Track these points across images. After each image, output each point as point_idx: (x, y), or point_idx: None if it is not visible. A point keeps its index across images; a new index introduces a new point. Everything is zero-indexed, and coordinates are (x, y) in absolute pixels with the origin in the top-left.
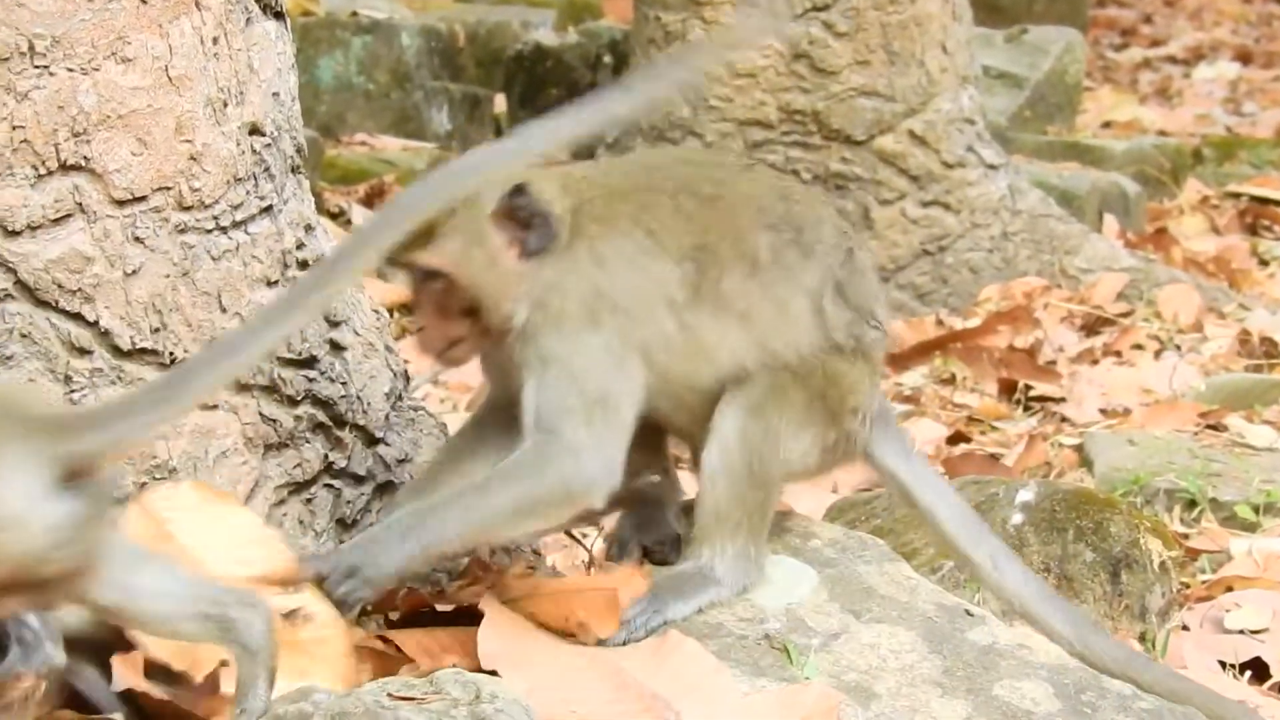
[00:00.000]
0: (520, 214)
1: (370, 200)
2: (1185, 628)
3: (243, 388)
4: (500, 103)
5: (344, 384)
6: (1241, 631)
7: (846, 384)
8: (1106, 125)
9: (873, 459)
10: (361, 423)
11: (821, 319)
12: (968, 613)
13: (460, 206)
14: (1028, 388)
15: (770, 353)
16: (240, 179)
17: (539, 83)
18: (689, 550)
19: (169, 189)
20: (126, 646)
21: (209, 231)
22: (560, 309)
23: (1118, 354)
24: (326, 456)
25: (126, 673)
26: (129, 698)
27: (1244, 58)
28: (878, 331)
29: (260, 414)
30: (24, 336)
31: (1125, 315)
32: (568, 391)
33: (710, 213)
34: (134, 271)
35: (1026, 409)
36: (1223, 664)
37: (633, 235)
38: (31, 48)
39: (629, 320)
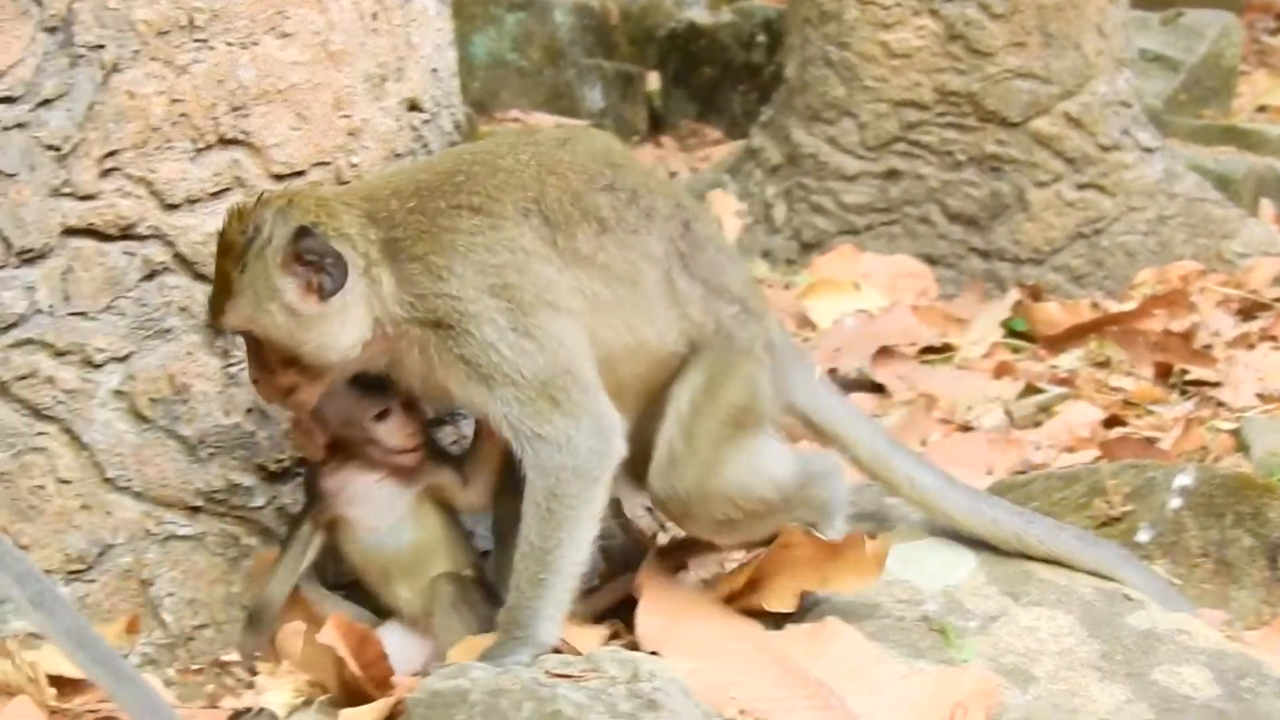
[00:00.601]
0: (309, 257)
1: None
2: None
3: None
4: (653, 81)
5: None
6: None
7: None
8: (1261, 109)
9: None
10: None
11: (673, 290)
12: (1126, 597)
13: (250, 259)
14: (1183, 372)
15: (637, 336)
16: (399, 154)
17: (692, 61)
18: None
19: (327, 164)
20: None
21: None
22: (450, 320)
23: (1274, 339)
24: None
25: None
26: None
27: None
28: (741, 312)
29: None
30: (183, 310)
31: None
32: (519, 390)
33: (540, 179)
34: None
35: (1182, 393)
36: None
37: (465, 219)
38: (191, 21)
39: (521, 289)
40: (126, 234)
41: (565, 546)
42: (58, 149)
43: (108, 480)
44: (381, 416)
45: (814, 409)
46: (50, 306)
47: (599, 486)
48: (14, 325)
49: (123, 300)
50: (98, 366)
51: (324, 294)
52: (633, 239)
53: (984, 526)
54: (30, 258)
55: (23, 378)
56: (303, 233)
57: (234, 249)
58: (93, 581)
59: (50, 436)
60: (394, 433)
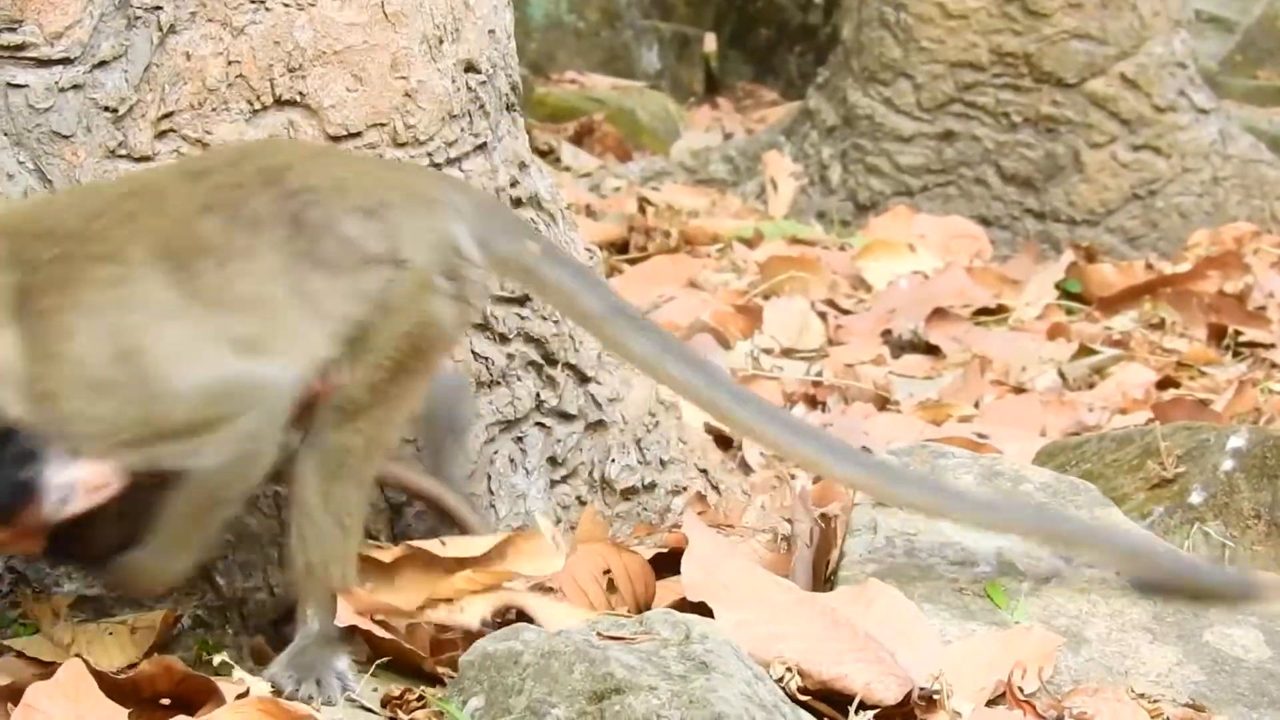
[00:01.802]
0: None
1: (580, 138)
2: None
3: None
4: (710, 42)
5: (555, 322)
6: None
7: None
8: None
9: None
10: (573, 361)
11: (305, 297)
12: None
13: None
14: (1237, 333)
15: (297, 362)
16: (455, 116)
17: (749, 22)
18: None
19: (383, 125)
20: None
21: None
22: (65, 397)
23: None
24: (538, 394)
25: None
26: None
27: None
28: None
29: (473, 351)
30: None
31: None
32: (169, 440)
33: (152, 213)
34: None
35: (1236, 354)
36: None
37: (97, 270)
38: None
39: (149, 356)
40: None
41: (218, 505)
42: (114, 110)
43: None
44: None
45: (527, 265)
46: None
47: (263, 460)
48: None
49: None
50: None
51: None
52: (248, 264)
53: (695, 399)
54: None
55: None
56: None
57: None
58: None
59: None
60: None
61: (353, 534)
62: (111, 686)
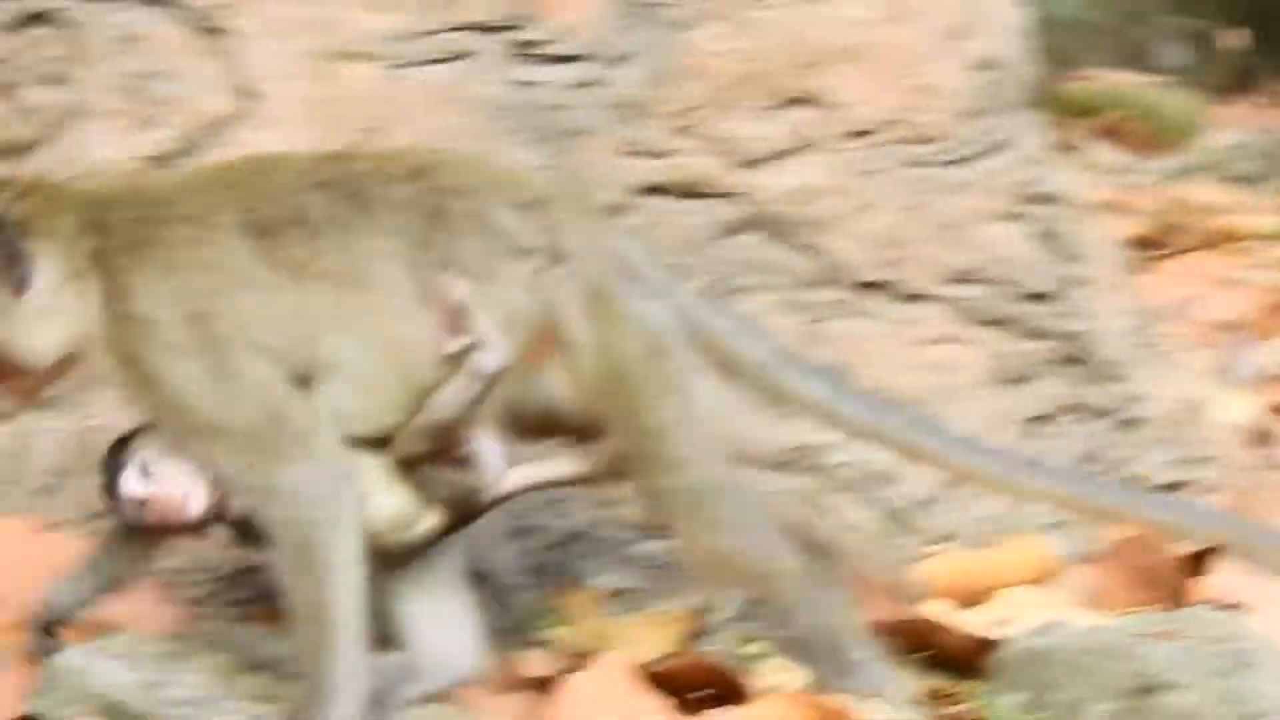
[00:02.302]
0: (4, 248)
1: (1103, 134)
2: None
3: (984, 322)
4: (1236, 38)
5: (1083, 319)
6: None
7: None
8: None
9: None
10: (1101, 357)
11: (424, 294)
12: None
13: None
14: None
15: (395, 340)
16: (970, 113)
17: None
18: None
19: (899, 122)
20: None
21: (940, 165)
22: (145, 360)
23: None
24: (1068, 391)
25: None
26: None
27: None
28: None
29: (1000, 348)
30: (759, 267)
31: None
32: (229, 444)
33: (253, 184)
34: (866, 205)
35: None
36: None
37: (176, 230)
38: None
39: (227, 325)
40: (701, 192)
41: (332, 604)
42: (631, 107)
43: None
44: None
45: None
46: None
47: (342, 530)
48: None
49: (698, 258)
50: None
51: (18, 291)
52: (349, 238)
53: (884, 438)
54: (607, 215)
55: None
56: None
57: None
58: None
59: None
60: None
61: None
62: (649, 678)
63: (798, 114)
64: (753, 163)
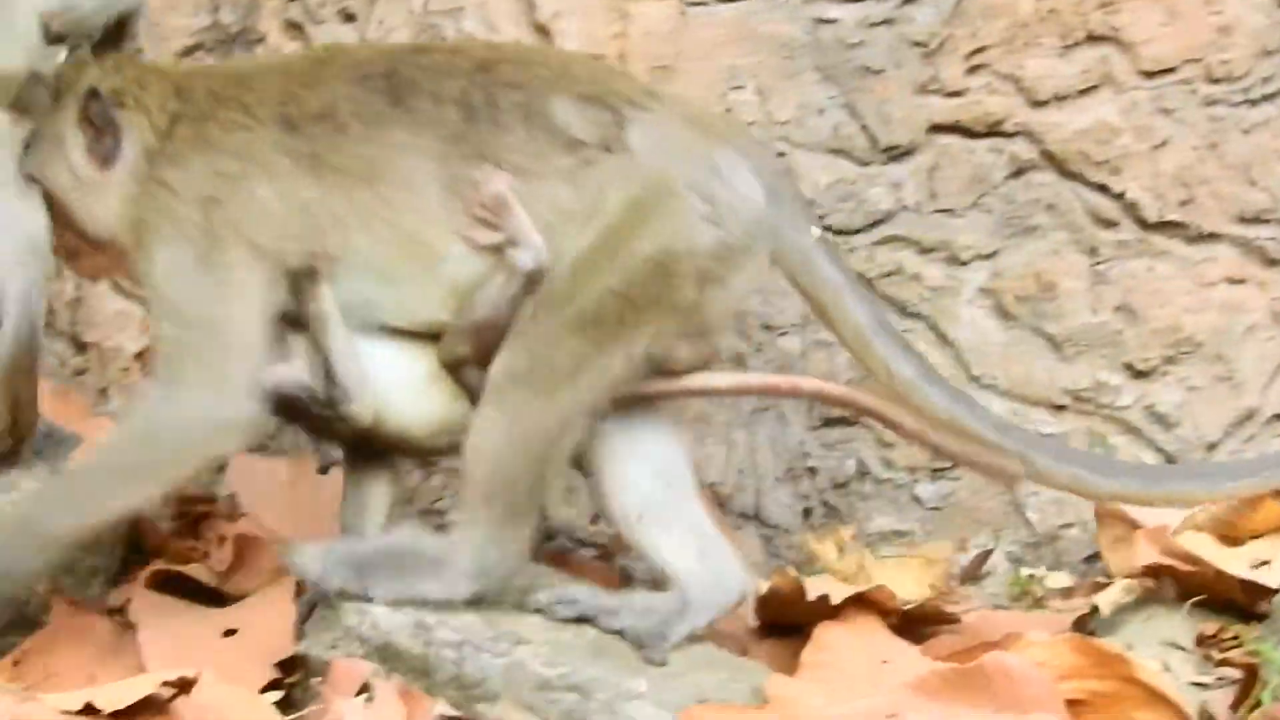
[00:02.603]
0: (97, 120)
1: None
2: None
3: (1274, 263)
4: None
5: None
6: None
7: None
8: None
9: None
10: None
11: (455, 180)
12: None
13: (55, 108)
14: None
15: (413, 238)
16: (1270, 52)
17: None
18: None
19: (1197, 61)
20: None
21: (1238, 104)
22: (154, 227)
23: None
24: None
25: None
26: None
27: None
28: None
29: None
30: (1050, 207)
31: None
32: (164, 327)
33: (307, 74)
34: (1161, 143)
35: None
36: None
37: (217, 116)
38: None
39: (234, 216)
40: (993, 131)
41: (113, 511)
42: (925, 45)
43: (974, 378)
44: None
45: (800, 265)
46: (916, 203)
47: (184, 465)
48: (880, 221)
49: (989, 197)
50: (964, 264)
51: (106, 162)
52: (374, 132)
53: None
54: (897, 154)
55: (889, 274)
56: (93, 94)
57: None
58: (958, 479)
59: (916, 334)
60: None
61: None
62: (908, 622)
63: (1093, 52)
64: (1046, 101)
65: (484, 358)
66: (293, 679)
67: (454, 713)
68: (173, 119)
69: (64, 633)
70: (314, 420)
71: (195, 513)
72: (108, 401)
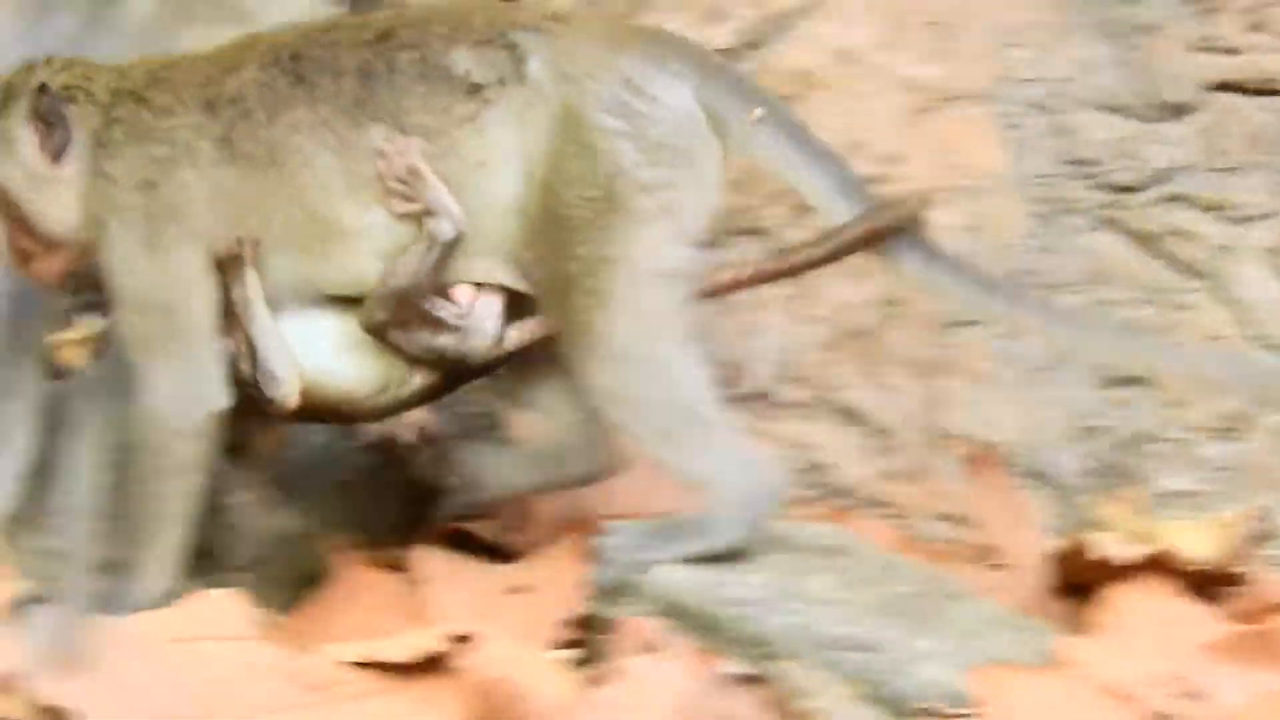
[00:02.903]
0: (46, 115)
1: None
2: None
3: None
4: None
5: None
6: None
7: None
8: None
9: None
10: None
11: (354, 157)
12: None
13: (6, 104)
14: None
15: (328, 219)
16: None
17: None
18: None
19: None
20: None
21: None
22: (102, 220)
23: None
24: None
25: None
26: None
27: None
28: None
29: None
30: None
31: None
32: (127, 318)
33: (231, 59)
34: None
35: None
36: None
37: (151, 103)
38: None
39: (169, 202)
40: (1271, 89)
41: (160, 499)
42: (1203, 2)
43: (1255, 337)
44: None
45: (747, 148)
46: (1197, 161)
47: (193, 436)
48: (1160, 180)
49: (1268, 156)
50: (1244, 222)
51: (57, 157)
52: (278, 114)
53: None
54: (1175, 112)
55: (1171, 233)
56: (41, 89)
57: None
58: (1248, 440)
59: (1199, 293)
60: None
61: None
62: (1189, 583)
63: None
64: None
65: (404, 322)
66: (580, 637)
67: (742, 671)
68: (112, 107)
69: (347, 587)
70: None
71: None
72: None
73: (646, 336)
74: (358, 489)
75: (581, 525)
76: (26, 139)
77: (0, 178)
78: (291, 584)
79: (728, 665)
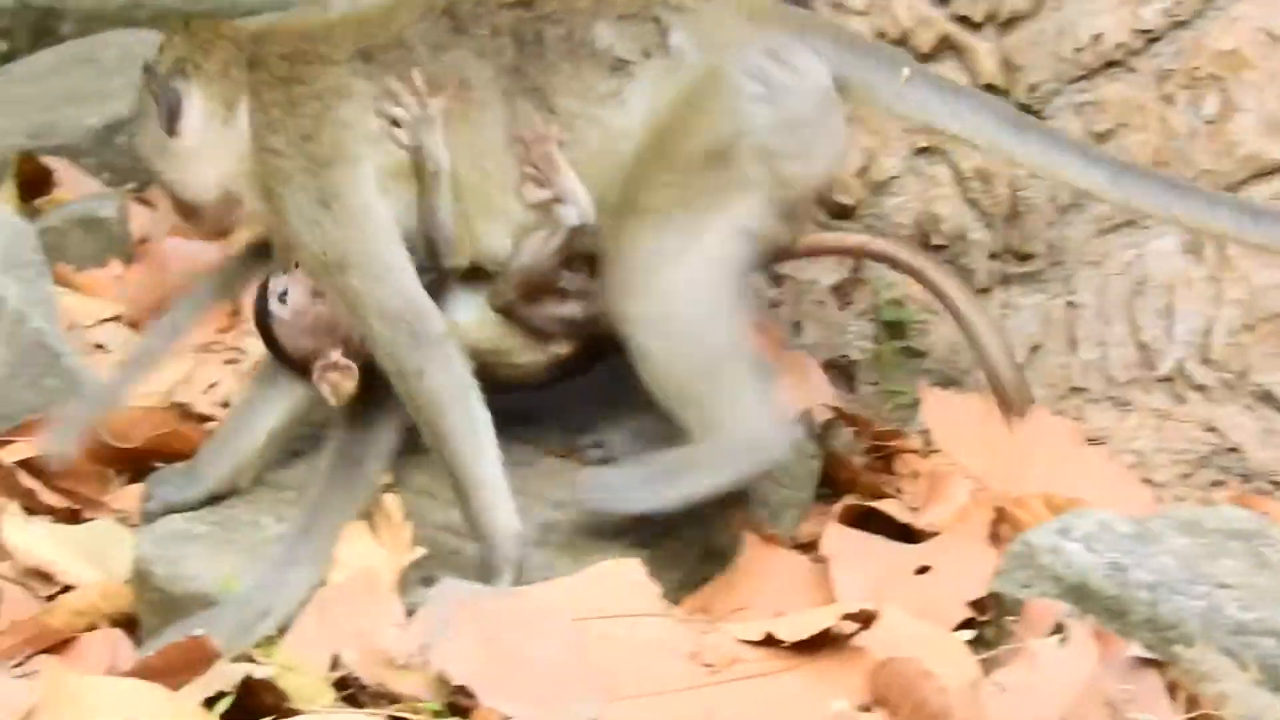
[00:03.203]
0: (154, 91)
1: None
2: None
3: None
4: None
5: None
6: None
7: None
8: None
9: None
10: None
11: (511, 104)
12: None
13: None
14: None
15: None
16: None
17: None
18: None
19: None
20: None
21: None
22: (273, 192)
23: None
24: None
25: None
26: None
27: None
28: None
29: None
30: None
31: None
32: (336, 277)
33: (380, 16)
34: None
35: None
36: None
37: (300, 64)
38: None
39: (321, 138)
40: None
41: (456, 432)
42: None
43: None
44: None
45: (898, 104)
46: None
47: (442, 363)
48: None
49: None
50: None
51: (172, 130)
52: (442, 55)
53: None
54: None
55: None
56: (146, 69)
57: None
58: None
59: None
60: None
61: None
62: None
63: None
64: None
65: (530, 301)
66: (985, 618)
67: (1147, 654)
68: (248, 87)
69: (754, 566)
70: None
71: (889, 448)
72: (800, 334)
73: (711, 296)
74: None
75: (989, 506)
76: (150, 112)
77: (141, 151)
78: (694, 560)
79: (1132, 649)
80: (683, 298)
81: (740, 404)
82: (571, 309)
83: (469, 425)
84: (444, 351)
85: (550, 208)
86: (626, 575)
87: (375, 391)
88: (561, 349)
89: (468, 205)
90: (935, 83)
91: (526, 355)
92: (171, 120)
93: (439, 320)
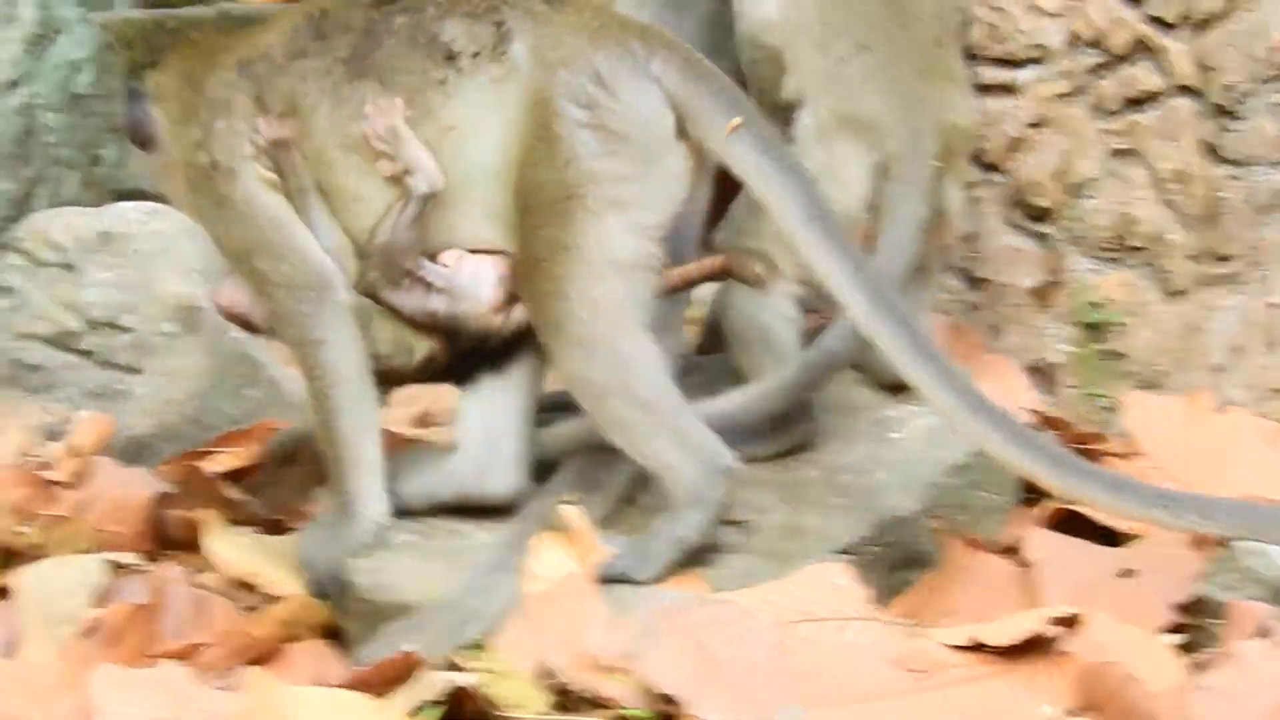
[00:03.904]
0: (135, 115)
1: None
2: None
3: None
4: None
5: None
6: None
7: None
8: None
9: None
10: None
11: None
12: None
13: None
14: None
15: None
16: None
17: None
18: None
19: None
20: None
21: None
22: (186, 198)
23: None
24: None
25: None
26: None
27: None
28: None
29: None
30: None
31: None
32: (248, 265)
33: (266, 24)
34: None
35: None
36: None
37: (197, 73)
38: None
39: (217, 146)
40: None
41: (345, 405)
42: None
43: None
44: None
45: (721, 155)
46: None
47: (344, 320)
48: None
49: None
50: None
51: (148, 148)
52: (293, 64)
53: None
54: None
55: None
56: (131, 92)
57: None
58: None
59: None
60: None
61: None
62: None
63: None
64: None
65: (394, 282)
66: (1191, 621)
67: None
68: (177, 88)
69: (958, 570)
70: None
71: (1090, 451)
72: (999, 338)
73: (602, 326)
74: (971, 470)
75: None
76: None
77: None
78: (897, 566)
79: None
80: (592, 355)
81: (672, 450)
82: (437, 303)
83: (359, 400)
84: (346, 322)
85: (401, 179)
86: (833, 579)
87: None
88: (430, 348)
89: (347, 208)
90: (763, 143)
91: (399, 357)
92: (148, 138)
93: (345, 290)
